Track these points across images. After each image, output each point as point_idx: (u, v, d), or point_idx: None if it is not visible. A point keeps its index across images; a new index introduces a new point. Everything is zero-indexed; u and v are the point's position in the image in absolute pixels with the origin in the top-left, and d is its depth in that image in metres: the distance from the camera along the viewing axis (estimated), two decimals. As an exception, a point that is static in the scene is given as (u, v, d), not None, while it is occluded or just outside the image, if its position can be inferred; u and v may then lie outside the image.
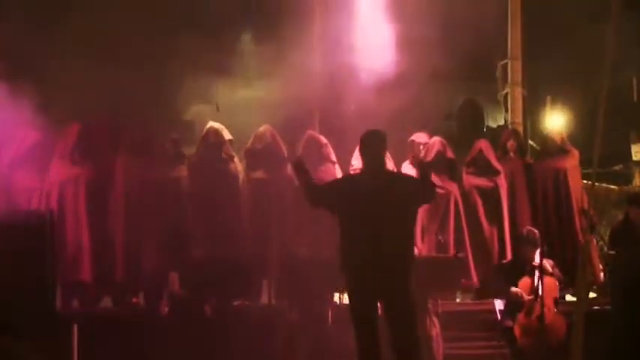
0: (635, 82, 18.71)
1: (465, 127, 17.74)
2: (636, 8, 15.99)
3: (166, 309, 11.06)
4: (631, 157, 18.00)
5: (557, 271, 10.33)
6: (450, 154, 11.58)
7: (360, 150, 8.57)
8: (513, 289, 10.11)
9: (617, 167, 16.79)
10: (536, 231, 10.38)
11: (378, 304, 8.34)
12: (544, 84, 17.08)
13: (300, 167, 8.54)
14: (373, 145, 8.44)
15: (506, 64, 16.33)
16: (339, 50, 13.76)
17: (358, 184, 8.49)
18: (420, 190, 8.41)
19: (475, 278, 11.22)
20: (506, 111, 16.75)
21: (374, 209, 8.18)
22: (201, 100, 16.08)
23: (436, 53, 14.22)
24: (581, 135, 14.05)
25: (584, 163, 12.17)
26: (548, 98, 17.26)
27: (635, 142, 18.66)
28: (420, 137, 11.95)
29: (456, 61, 15.01)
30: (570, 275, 10.39)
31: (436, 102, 15.90)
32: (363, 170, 8.58)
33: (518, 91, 16.01)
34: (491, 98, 17.97)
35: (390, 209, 8.20)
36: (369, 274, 8.16)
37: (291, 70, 13.69)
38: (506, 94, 16.47)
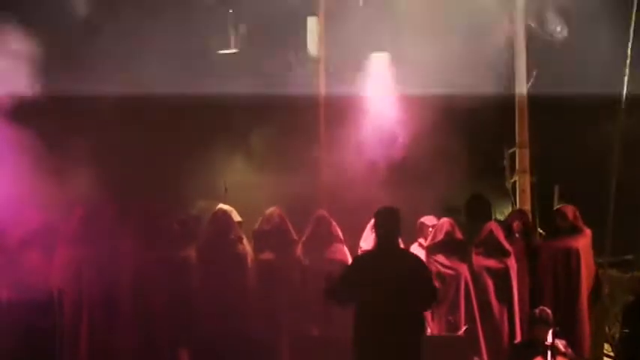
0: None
1: (472, 221, 17.68)
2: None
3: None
4: (642, 245, 17.89)
5: (570, 351, 10.23)
6: (458, 234, 11.57)
7: (374, 226, 8.64)
8: None
9: (629, 256, 16.64)
10: (549, 311, 10.32)
11: None
12: (553, 172, 17.04)
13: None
14: (387, 221, 8.49)
15: (514, 152, 16.30)
16: (346, 138, 13.88)
17: (371, 262, 8.56)
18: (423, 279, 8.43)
19: (486, 359, 11.10)
20: (514, 202, 16.68)
21: (386, 287, 8.20)
22: (209, 196, 16.09)
23: (442, 145, 14.33)
24: (591, 224, 13.99)
25: (596, 251, 12.07)
26: (557, 187, 17.21)
27: (648, 232, 18.58)
28: (429, 220, 12.01)
29: (462, 153, 15.09)
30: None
31: (442, 194, 15.88)
32: (376, 247, 8.61)
33: (527, 179, 15.94)
34: (498, 191, 17.94)
35: (401, 287, 8.22)
36: (382, 353, 8.13)
37: (298, 156, 13.79)
38: (514, 182, 16.42)
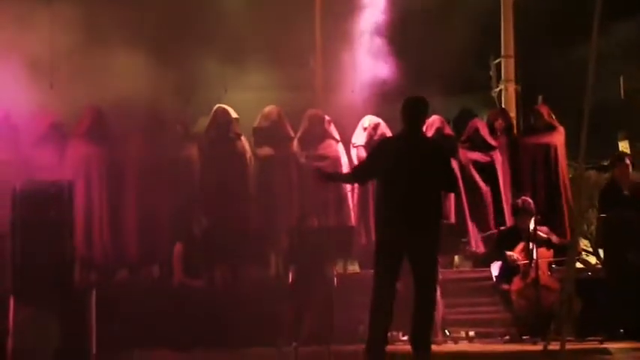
0: (622, 81, 19.19)
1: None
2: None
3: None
4: (619, 153, 18.42)
5: (554, 236, 10.81)
6: (448, 130, 12.05)
7: (402, 113, 8.70)
8: (508, 252, 10.57)
9: (604, 162, 17.22)
10: (530, 201, 10.87)
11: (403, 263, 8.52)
12: (537, 81, 17.49)
13: (329, 177, 9.31)
14: (414, 109, 8.67)
15: (500, 62, 16.74)
16: (340, 43, 14.20)
17: (396, 143, 8.82)
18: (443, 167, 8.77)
19: (474, 246, 11.72)
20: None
21: (410, 167, 8.47)
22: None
23: (429, 54, 14.68)
24: (573, 132, 14.48)
25: (573, 155, 12.56)
26: (540, 97, 17.73)
27: (622, 140, 19.19)
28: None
29: (449, 63, 15.46)
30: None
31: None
32: (402, 133, 8.81)
33: (512, 88, 16.44)
34: (484, 100, 18.37)
35: (424, 168, 8.50)
36: (402, 228, 8.40)
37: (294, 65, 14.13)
38: (500, 91, 16.91)
